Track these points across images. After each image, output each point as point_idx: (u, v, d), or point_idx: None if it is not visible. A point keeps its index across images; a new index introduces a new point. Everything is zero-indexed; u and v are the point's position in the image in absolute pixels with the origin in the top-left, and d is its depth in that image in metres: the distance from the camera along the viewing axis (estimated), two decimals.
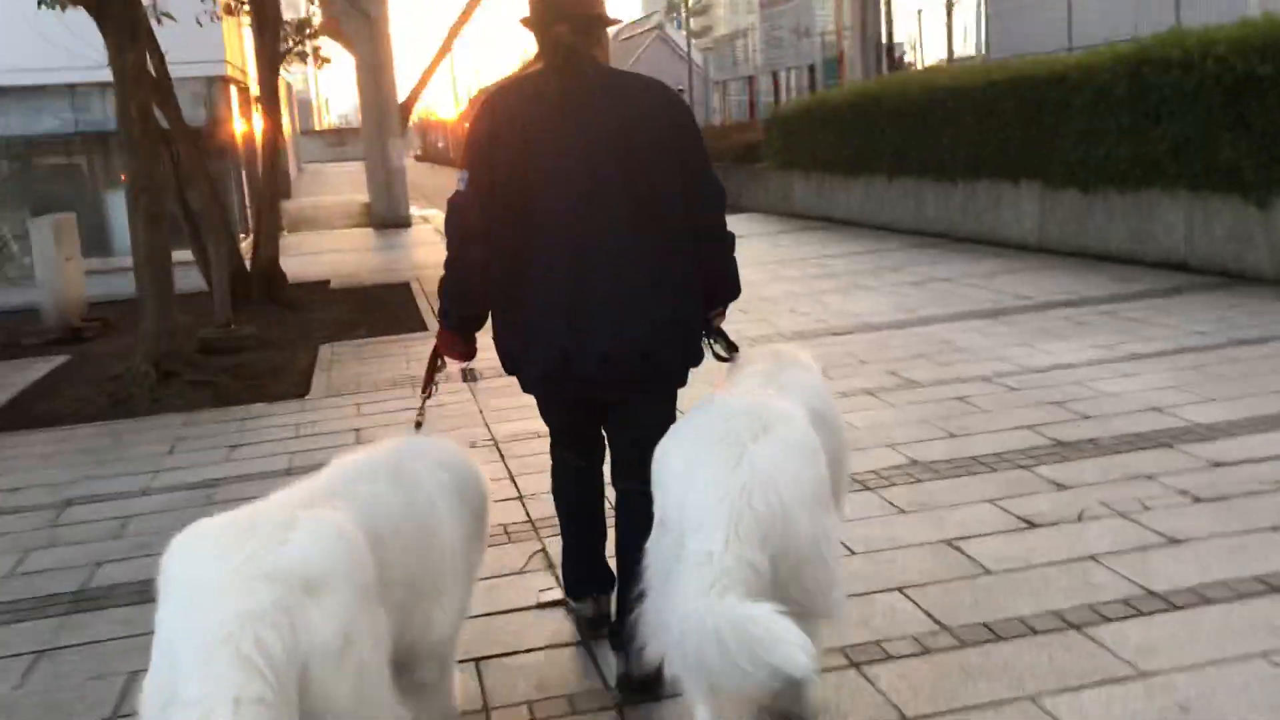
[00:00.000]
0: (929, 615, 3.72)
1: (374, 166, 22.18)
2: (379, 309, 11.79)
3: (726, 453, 2.61)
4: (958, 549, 4.23)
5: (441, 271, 3.37)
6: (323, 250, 18.65)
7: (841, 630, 3.34)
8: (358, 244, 19.53)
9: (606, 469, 3.63)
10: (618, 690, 3.31)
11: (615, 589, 3.51)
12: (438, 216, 23.86)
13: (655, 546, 2.74)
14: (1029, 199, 12.04)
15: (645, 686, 3.17)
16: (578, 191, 3.17)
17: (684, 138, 3.29)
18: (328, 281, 14.28)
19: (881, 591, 3.92)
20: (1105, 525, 4.35)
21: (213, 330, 9.85)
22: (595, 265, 3.17)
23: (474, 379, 4.14)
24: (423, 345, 9.31)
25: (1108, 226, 10.81)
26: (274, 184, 12.23)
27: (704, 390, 3.26)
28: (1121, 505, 4.50)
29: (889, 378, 6.93)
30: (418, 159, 65.09)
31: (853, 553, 4.25)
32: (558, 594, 3.94)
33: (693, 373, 3.44)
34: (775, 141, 18.94)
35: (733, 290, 3.47)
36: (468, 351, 3.46)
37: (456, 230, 3.27)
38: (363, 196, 23.57)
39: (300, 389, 8.08)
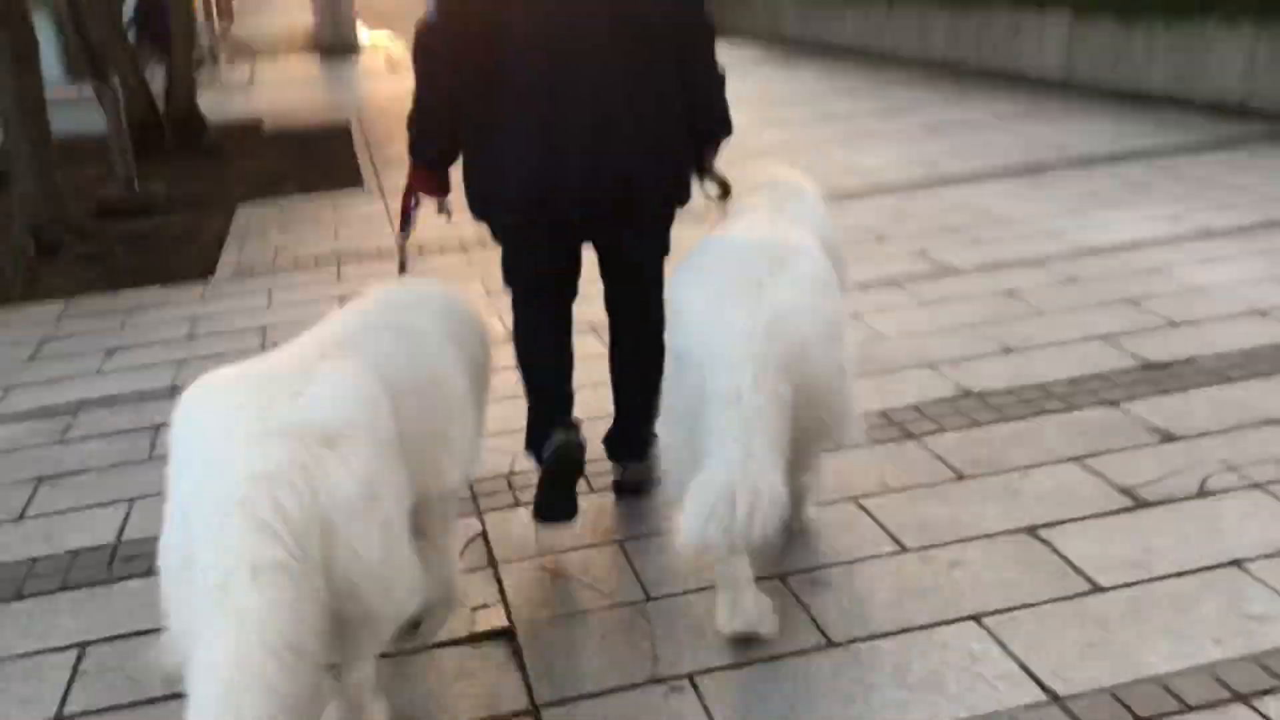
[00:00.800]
0: (1039, 684, 2.57)
1: None
2: (312, 157, 10.33)
3: (746, 289, 2.61)
4: (1047, 545, 3.08)
5: (408, 104, 3.20)
6: (261, 83, 16.86)
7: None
8: (300, 74, 17.72)
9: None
10: (614, 492, 3.52)
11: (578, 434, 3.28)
12: (392, 41, 21.96)
13: (674, 383, 2.73)
14: (1054, 28, 10.55)
15: (638, 489, 3.46)
16: (555, 14, 3.01)
17: None
18: (260, 123, 12.69)
19: (951, 622, 2.79)
20: (1240, 503, 3.20)
21: (113, 190, 8.41)
22: (573, 91, 3.02)
23: (448, 213, 3.44)
24: (355, 205, 8.03)
25: (1148, 62, 9.39)
26: (188, 9, 10.50)
27: (695, 230, 3.13)
28: (1255, 469, 3.36)
29: (917, 261, 5.67)
30: None
31: (904, 548, 3.11)
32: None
33: (688, 211, 3.32)
34: None
35: (724, 127, 3.32)
36: (443, 186, 3.28)
37: (424, 60, 3.11)
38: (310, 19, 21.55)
39: (206, 266, 6.76)
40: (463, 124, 3.16)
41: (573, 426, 3.25)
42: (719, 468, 2.38)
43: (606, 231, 3.24)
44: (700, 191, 3.37)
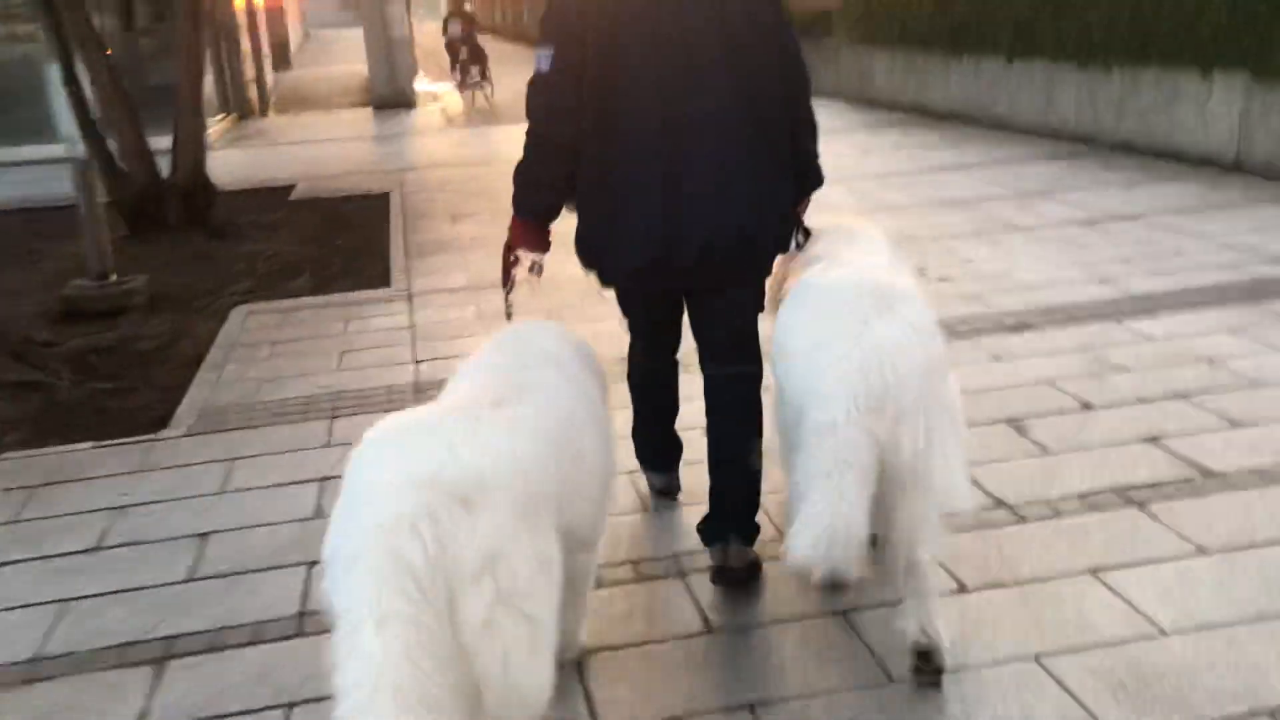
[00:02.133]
0: None
1: (372, 34, 18.79)
2: (339, 236, 8.80)
3: (850, 327, 2.64)
4: None
5: (518, 158, 3.15)
6: (305, 139, 15.51)
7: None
8: (349, 130, 16.35)
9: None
10: (713, 583, 3.26)
11: (680, 459, 3.69)
12: (451, 95, 20.66)
13: (777, 417, 2.92)
14: (1224, 95, 8.75)
15: (743, 578, 3.23)
16: (674, 67, 2.99)
17: (776, 11, 3.10)
18: (291, 187, 11.24)
19: None
20: None
21: (82, 284, 6.91)
22: (693, 146, 3.00)
23: (539, 273, 3.23)
24: (374, 316, 6.43)
25: None
26: (194, 55, 9.02)
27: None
28: None
29: (1164, 461, 3.89)
30: None
31: None
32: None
33: None
34: (853, 9, 15.45)
35: (818, 178, 3.32)
36: (544, 242, 3.24)
37: (543, 109, 3.06)
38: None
39: (164, 407, 5.16)
40: (579, 177, 3.10)
41: (665, 473, 3.69)
42: (817, 506, 2.45)
43: (716, 285, 3.18)
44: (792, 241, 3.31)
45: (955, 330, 5.34)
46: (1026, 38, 11.28)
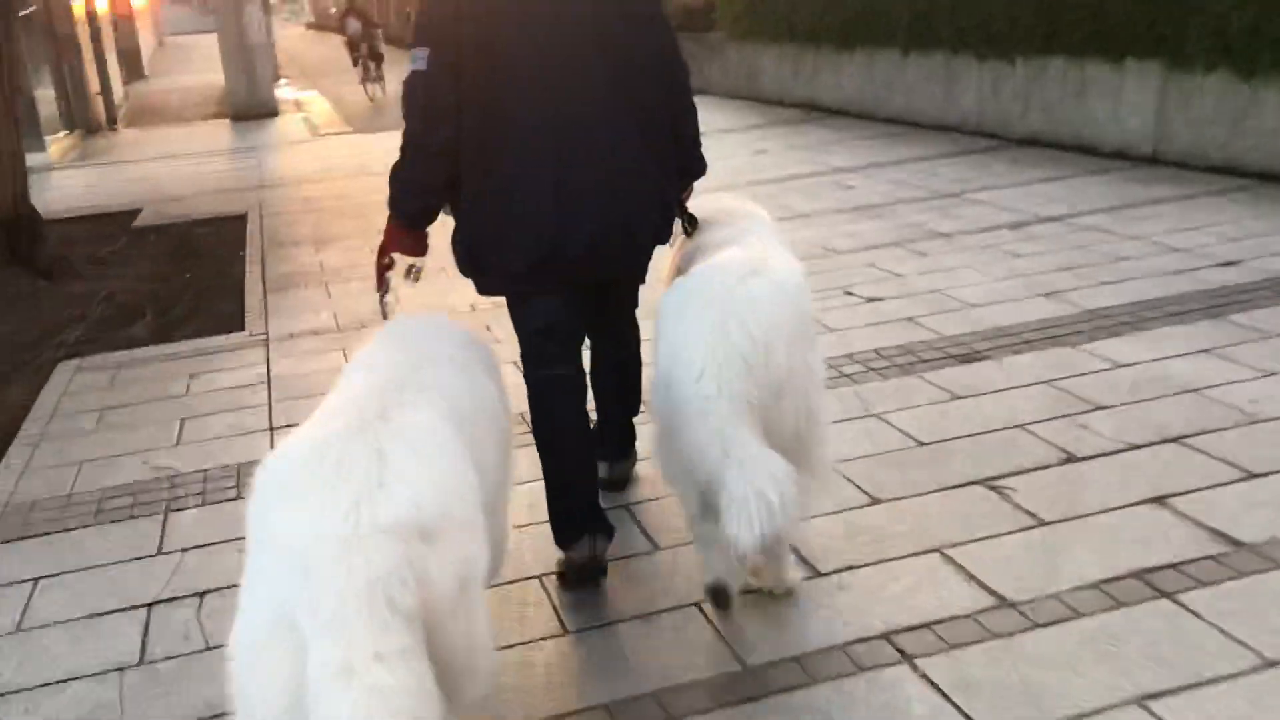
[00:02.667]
0: None
1: (228, 40, 17.52)
2: (188, 270, 7.80)
3: (710, 294, 2.66)
4: None
5: (391, 165, 3.05)
6: (156, 156, 14.27)
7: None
8: (205, 144, 15.14)
9: None
10: (603, 488, 3.47)
11: (612, 538, 3.26)
12: (317, 101, 19.49)
13: (654, 391, 2.78)
14: (1139, 86, 8.34)
15: (624, 483, 3.73)
16: (553, 65, 2.96)
17: (652, 3, 3.12)
18: (136, 213, 10.13)
19: None
20: None
21: None
22: (579, 143, 2.98)
23: (416, 277, 3.20)
24: (221, 370, 5.50)
25: None
26: (9, 79, 7.89)
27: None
28: None
29: (1181, 530, 3.24)
30: (310, 27, 58.56)
31: None
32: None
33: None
34: (734, 2, 14.86)
35: (701, 165, 3.35)
36: (421, 246, 3.16)
37: (420, 109, 2.95)
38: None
39: None
40: (462, 181, 3.02)
41: (600, 532, 3.20)
42: (733, 487, 2.43)
43: (601, 278, 3.22)
44: (676, 229, 3.31)
45: (898, 363, 4.68)
46: (923, 29, 10.80)
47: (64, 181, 12.55)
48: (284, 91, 22.16)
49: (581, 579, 3.19)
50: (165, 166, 13.16)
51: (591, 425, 3.34)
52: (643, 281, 3.39)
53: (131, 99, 21.97)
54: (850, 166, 9.36)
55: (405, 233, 3.11)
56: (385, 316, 3.12)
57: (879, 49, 11.64)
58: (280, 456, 2.03)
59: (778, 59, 13.93)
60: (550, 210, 2.96)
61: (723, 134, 11.56)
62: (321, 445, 2.00)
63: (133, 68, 24.75)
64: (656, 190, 3.13)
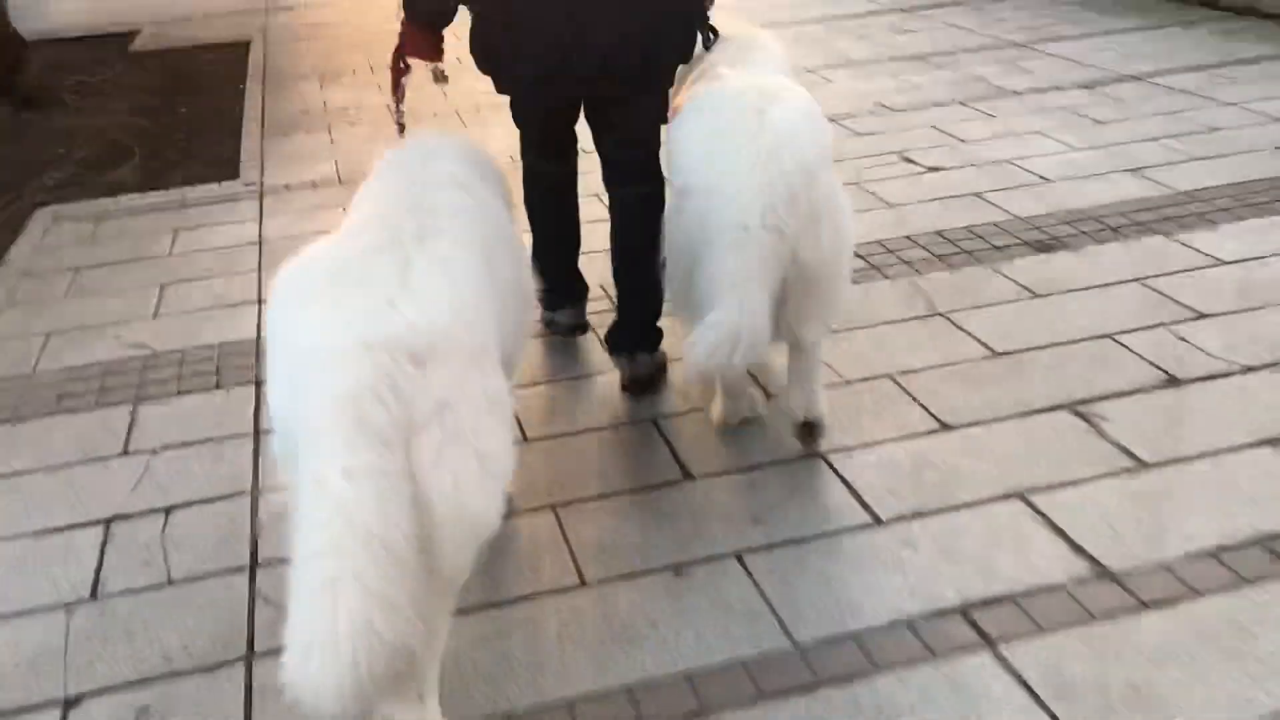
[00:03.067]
0: None
1: None
2: (183, 104, 7.20)
3: (746, 120, 2.56)
4: None
5: None
6: None
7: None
8: None
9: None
10: (623, 391, 3.34)
11: (587, 298, 3.67)
12: None
13: (675, 220, 2.72)
14: None
15: (650, 383, 3.34)
16: None
17: None
18: (134, 34, 9.43)
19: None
20: None
21: None
22: None
23: (444, 80, 3.11)
24: (214, 225, 5.05)
25: None
26: None
27: None
28: None
29: None
30: None
31: None
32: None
33: None
34: None
35: None
36: (437, 49, 3.04)
37: None
38: None
39: None
40: None
41: (569, 309, 3.60)
42: (722, 313, 2.43)
43: (617, 94, 3.07)
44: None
45: (965, 249, 4.13)
46: None
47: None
48: None
49: (571, 332, 3.66)
50: None
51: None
52: (664, 116, 3.10)
53: None
54: (908, 5, 8.53)
55: (421, 35, 2.99)
56: (401, 128, 2.99)
57: None
58: (305, 263, 2.03)
59: None
60: (560, 21, 2.87)
61: None
62: (347, 259, 2.02)
63: None
64: (677, 8, 3.01)
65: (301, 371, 1.87)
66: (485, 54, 3.05)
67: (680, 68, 3.14)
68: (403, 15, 2.97)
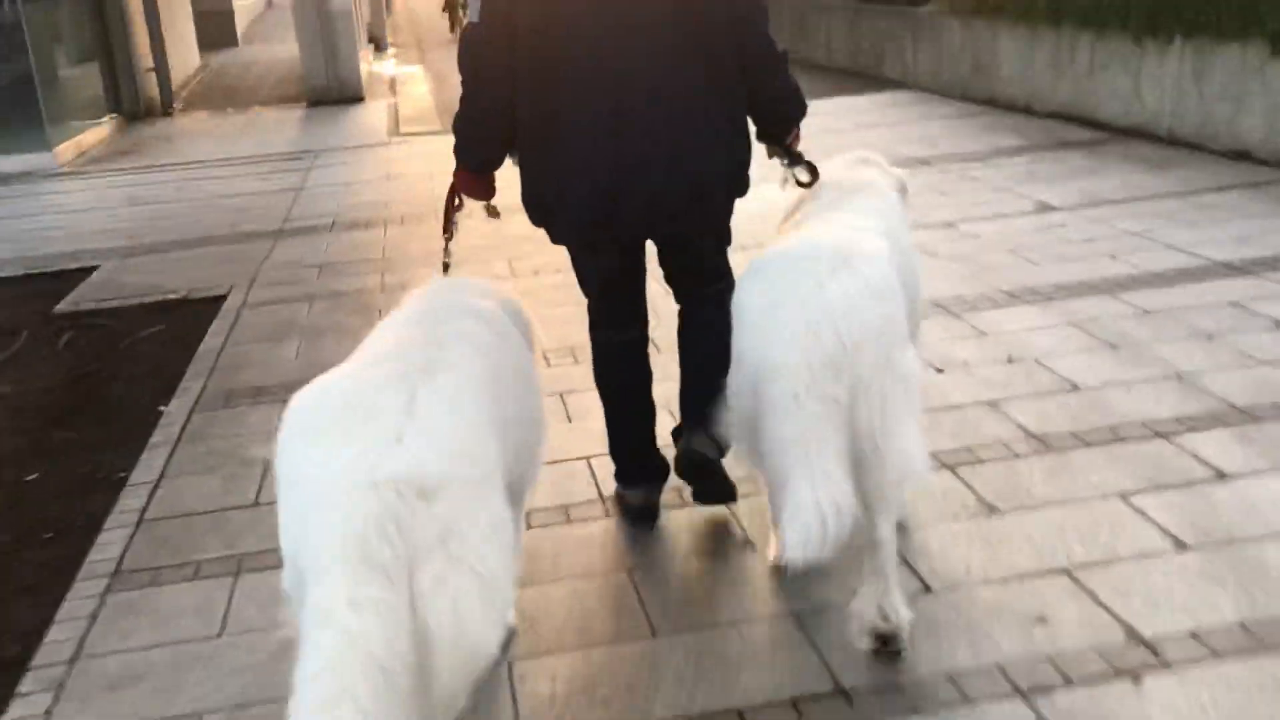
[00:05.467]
0: None
1: (303, 7, 14.20)
2: (76, 424, 4.32)
3: (804, 291, 2.55)
4: None
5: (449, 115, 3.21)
6: (187, 160, 10.97)
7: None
8: (256, 143, 11.76)
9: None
10: (676, 474, 3.27)
11: (666, 480, 3.42)
12: (416, 82, 16.09)
13: (735, 386, 2.70)
14: None
15: (705, 464, 3.17)
16: (615, 16, 2.88)
17: None
18: (86, 273, 6.76)
19: None
20: None
21: None
22: (639, 98, 2.90)
23: (496, 215, 3.15)
24: None
25: None
26: None
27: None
28: None
29: None
30: None
31: None
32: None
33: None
34: None
35: (796, 106, 3.13)
36: (488, 191, 3.17)
37: (471, 69, 3.00)
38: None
39: None
40: (519, 130, 3.00)
41: (643, 489, 3.38)
42: (797, 496, 2.38)
43: (674, 232, 3.11)
44: (786, 177, 3.21)
45: None
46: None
47: (31, 206, 9.26)
48: (384, 65, 18.86)
49: (640, 519, 3.36)
50: (189, 181, 9.82)
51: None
52: (728, 241, 3.22)
53: (210, 72, 18.86)
54: (1235, 259, 5.36)
55: (472, 178, 3.07)
56: (446, 264, 3.02)
57: (1222, 42, 7.49)
58: (316, 395, 2.10)
59: (1027, 45, 9.80)
60: (606, 170, 2.89)
61: (929, 163, 7.63)
62: (356, 392, 2.10)
63: (220, 32, 21.64)
64: (725, 138, 2.97)
65: (311, 506, 1.93)
66: (534, 204, 3.07)
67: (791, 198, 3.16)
68: (455, 161, 3.07)
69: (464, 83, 2.99)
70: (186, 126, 13.57)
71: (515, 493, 2.37)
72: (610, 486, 3.51)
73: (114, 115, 13.54)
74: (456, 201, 3.10)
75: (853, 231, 2.82)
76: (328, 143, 11.51)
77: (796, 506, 2.34)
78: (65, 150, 11.28)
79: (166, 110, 14.59)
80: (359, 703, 1.72)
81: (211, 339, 5.39)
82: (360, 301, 5.80)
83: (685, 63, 2.88)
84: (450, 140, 3.12)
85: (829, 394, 2.43)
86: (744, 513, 3.37)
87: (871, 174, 3.22)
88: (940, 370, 4.28)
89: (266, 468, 3.93)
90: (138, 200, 9.09)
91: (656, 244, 3.17)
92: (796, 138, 3.18)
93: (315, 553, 1.88)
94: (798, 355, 2.44)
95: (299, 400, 2.09)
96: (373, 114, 13.43)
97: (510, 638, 2.81)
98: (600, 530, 3.38)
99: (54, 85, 11.95)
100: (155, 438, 4.27)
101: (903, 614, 2.67)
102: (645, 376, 3.34)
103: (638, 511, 3.36)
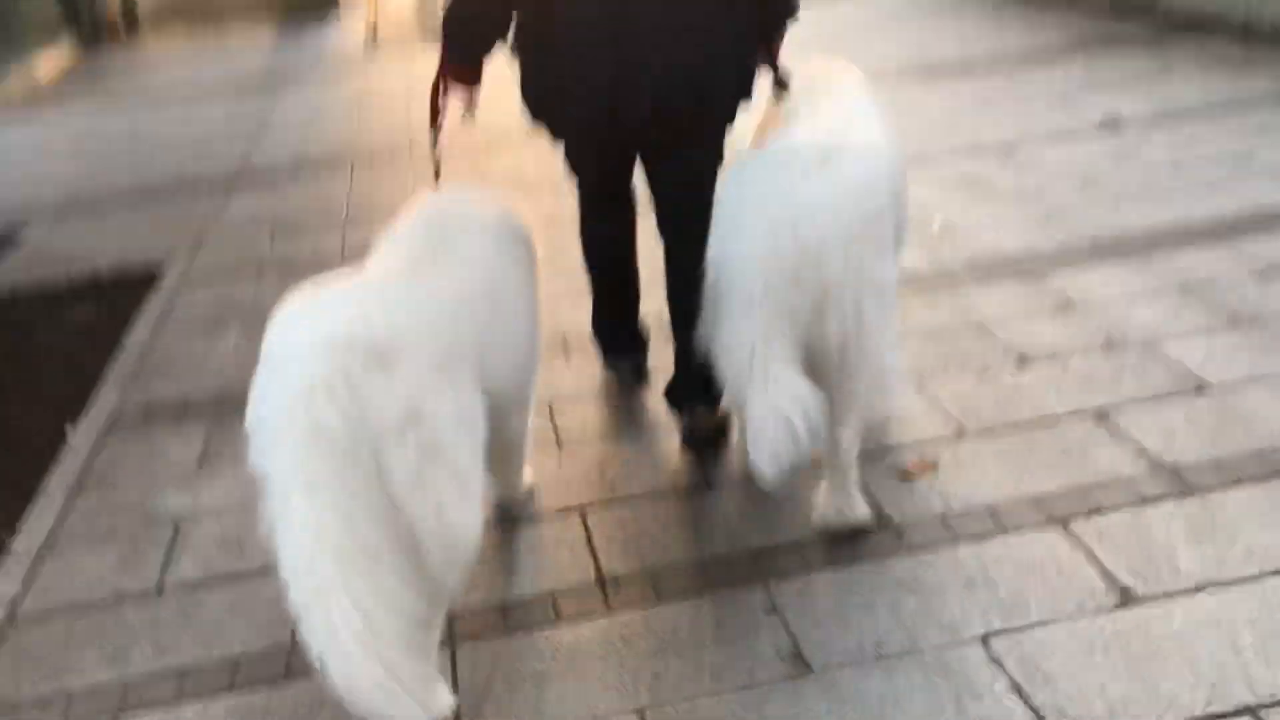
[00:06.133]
0: None
1: None
2: None
3: (767, 191, 2.44)
4: None
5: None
6: (142, 89, 10.00)
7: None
8: (221, 69, 10.77)
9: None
10: (683, 444, 3.22)
11: (648, 348, 3.54)
12: None
13: (709, 287, 2.62)
14: None
15: (710, 439, 3.17)
16: None
17: None
18: (4, 241, 5.90)
19: None
20: None
21: None
22: None
23: (474, 111, 2.96)
24: None
25: None
26: None
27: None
28: None
29: None
30: None
31: None
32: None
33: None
34: None
35: (789, 9, 2.96)
36: (476, 75, 2.96)
37: None
38: None
39: None
40: (517, 25, 2.87)
41: (629, 362, 3.52)
42: (756, 407, 2.31)
43: (671, 139, 2.97)
44: (766, 88, 3.04)
45: None
46: None
47: None
48: None
49: (634, 380, 3.51)
50: (143, 115, 8.88)
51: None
52: (722, 158, 3.00)
53: None
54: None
55: (461, 67, 2.91)
56: (437, 170, 2.95)
57: None
58: (307, 289, 2.06)
59: None
60: (607, 67, 2.77)
61: (970, 69, 6.65)
62: (336, 289, 2.06)
63: None
64: (731, 42, 2.84)
65: (265, 376, 1.92)
66: (534, 101, 2.97)
67: (763, 108, 3.05)
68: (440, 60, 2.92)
69: None
70: (148, 50, 12.51)
71: (506, 401, 2.42)
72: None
73: (68, 39, 12.50)
74: (442, 87, 2.93)
75: (852, 120, 2.75)
76: (298, 65, 10.49)
77: (756, 421, 2.29)
78: (12, 85, 10.30)
79: (129, 33, 13.51)
80: (349, 593, 1.78)
81: (139, 331, 4.55)
82: (316, 269, 4.91)
83: None
84: (431, 55, 2.95)
85: (785, 302, 2.32)
86: None
87: (836, 67, 3.11)
88: (1024, 360, 3.41)
89: (178, 530, 3.11)
90: (82, 142, 8.18)
91: (652, 156, 3.05)
92: (781, 43, 3.03)
93: (268, 420, 1.87)
94: (755, 261, 2.35)
95: (288, 301, 2.06)
96: (348, 27, 12.35)
97: (530, 497, 2.97)
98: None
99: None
100: (51, 481, 3.46)
101: (860, 511, 2.68)
102: (632, 269, 3.42)
103: (629, 374, 3.55)
